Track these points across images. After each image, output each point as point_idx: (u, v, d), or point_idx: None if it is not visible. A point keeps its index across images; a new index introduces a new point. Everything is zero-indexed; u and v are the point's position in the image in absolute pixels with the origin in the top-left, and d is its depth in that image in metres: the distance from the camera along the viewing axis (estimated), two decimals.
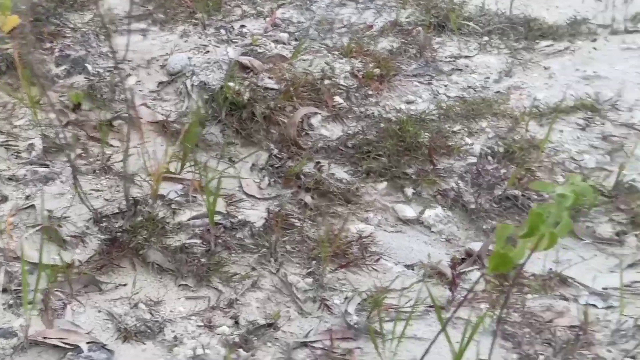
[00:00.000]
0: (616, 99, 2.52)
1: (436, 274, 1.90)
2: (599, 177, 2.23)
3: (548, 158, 2.28)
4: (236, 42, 2.64)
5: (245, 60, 2.43)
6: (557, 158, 2.28)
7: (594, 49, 2.92)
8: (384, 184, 2.21)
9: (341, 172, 2.23)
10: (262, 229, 1.94)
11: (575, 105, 2.48)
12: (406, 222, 2.14)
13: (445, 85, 2.70)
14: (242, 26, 2.77)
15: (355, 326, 1.70)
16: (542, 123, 2.41)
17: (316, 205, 2.12)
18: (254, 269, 1.84)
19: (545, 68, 2.81)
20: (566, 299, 1.91)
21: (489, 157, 2.27)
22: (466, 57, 2.90)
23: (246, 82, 2.34)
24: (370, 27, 2.99)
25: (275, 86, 2.38)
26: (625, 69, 2.72)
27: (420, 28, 2.89)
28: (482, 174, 2.20)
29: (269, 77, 2.41)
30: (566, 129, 2.40)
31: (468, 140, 2.34)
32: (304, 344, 1.67)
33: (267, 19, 2.81)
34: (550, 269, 1.98)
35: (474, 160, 2.26)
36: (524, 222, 1.20)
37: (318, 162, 2.22)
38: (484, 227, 2.11)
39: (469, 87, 2.68)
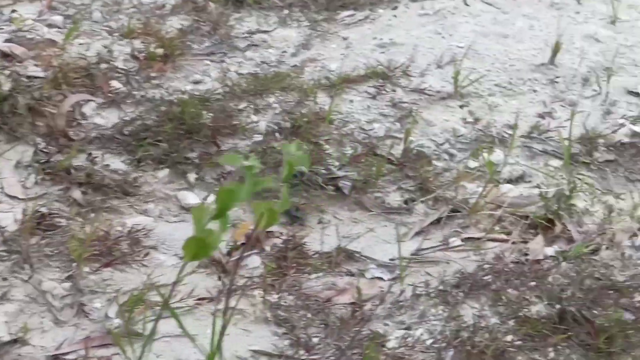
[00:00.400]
0: (408, 65, 2.48)
1: (212, 262, 1.79)
2: (388, 145, 2.17)
3: (337, 130, 2.20)
4: (3, 29, 2.41)
5: (5, 47, 2.22)
6: (346, 129, 2.20)
7: (394, 16, 2.87)
8: (165, 171, 2.07)
9: (117, 163, 2.06)
10: (17, 234, 1.75)
11: (367, 73, 2.41)
12: (190, 210, 2.01)
13: (239, 62, 2.57)
14: (14, 11, 2.54)
15: (116, 330, 1.56)
16: (333, 94, 2.34)
17: (89, 200, 1.95)
18: (5, 279, 1.66)
19: (344, 38, 2.73)
20: (352, 274, 1.84)
21: (276, 134, 2.17)
22: (265, 32, 2.78)
23: (6, 72, 2.14)
24: (162, 6, 2.83)
25: (42, 74, 2.18)
26: (420, 35, 2.68)
27: (212, 3, 2.76)
28: (267, 151, 2.10)
29: (35, 65, 2.20)
30: (357, 99, 2.33)
31: (254, 118, 2.22)
32: (55, 357, 1.51)
33: (43, 1, 2.60)
34: (339, 244, 1.91)
35: (260, 138, 2.16)
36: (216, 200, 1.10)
37: (90, 154, 2.05)
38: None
39: (264, 62, 2.57)
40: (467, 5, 2.88)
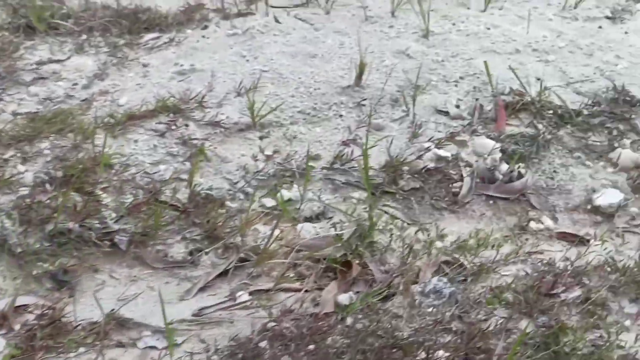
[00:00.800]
0: (205, 94, 2.28)
1: None
2: (174, 189, 1.96)
3: (117, 175, 1.97)
4: None
5: None
6: (127, 174, 1.98)
7: (203, 37, 2.67)
8: None
9: None
10: None
11: (157, 108, 2.20)
12: None
13: (20, 100, 2.30)
14: None
15: None
16: (117, 134, 2.11)
17: None
18: None
19: (144, 65, 2.51)
20: (122, 346, 1.63)
21: (46, 185, 1.93)
22: (57, 61, 2.52)
23: None
24: None
25: None
26: (224, 58, 2.49)
27: None
28: (33, 207, 1.86)
29: None
30: (142, 138, 2.11)
31: (21, 168, 1.97)
32: None
33: None
34: (112, 309, 1.70)
35: (26, 191, 1.91)
36: None
37: None
38: (35, 272, 1.77)
39: (48, 98, 2.31)
40: (279, 22, 2.71)
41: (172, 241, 1.86)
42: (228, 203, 1.98)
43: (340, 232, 1.87)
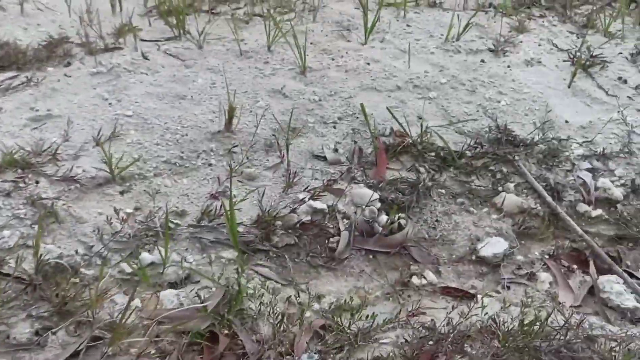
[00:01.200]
0: (60, 144, 2.07)
1: None
2: (19, 258, 1.75)
3: None
4: None
5: None
6: None
7: (65, 75, 2.45)
8: None
9: None
10: None
11: (3, 163, 1.98)
12: None
13: None
14: None
15: None
16: None
17: None
18: None
19: None
20: None
21: None
22: None
23: None
24: None
25: None
26: (84, 101, 2.28)
27: None
28: None
29: None
30: None
31: None
32: None
33: None
34: None
35: None
36: None
37: None
38: None
39: None
40: (147, 59, 2.52)
41: (16, 320, 1.64)
42: (83, 270, 1.78)
43: (205, 303, 1.70)
